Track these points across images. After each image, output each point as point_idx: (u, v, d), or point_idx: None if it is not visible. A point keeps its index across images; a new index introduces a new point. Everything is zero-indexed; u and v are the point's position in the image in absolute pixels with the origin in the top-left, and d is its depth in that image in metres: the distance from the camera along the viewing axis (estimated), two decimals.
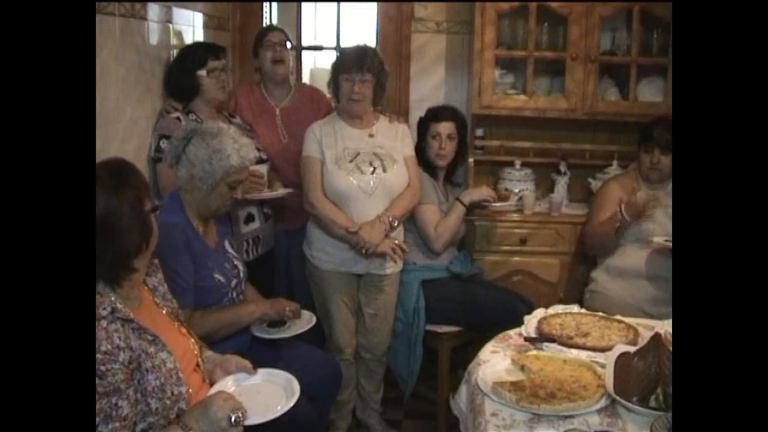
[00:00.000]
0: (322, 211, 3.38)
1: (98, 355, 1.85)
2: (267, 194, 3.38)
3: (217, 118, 3.46)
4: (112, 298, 2.00)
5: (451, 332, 3.70)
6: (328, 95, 3.81)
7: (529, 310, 3.23)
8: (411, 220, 3.67)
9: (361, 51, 3.45)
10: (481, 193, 3.78)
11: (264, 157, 3.49)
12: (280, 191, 3.42)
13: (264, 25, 4.70)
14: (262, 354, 2.83)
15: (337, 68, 3.45)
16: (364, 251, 3.33)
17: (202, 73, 3.37)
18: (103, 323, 1.92)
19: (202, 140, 2.74)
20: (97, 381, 1.83)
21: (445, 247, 3.72)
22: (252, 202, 3.44)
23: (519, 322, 2.87)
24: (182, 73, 3.39)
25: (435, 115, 3.87)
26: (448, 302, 3.64)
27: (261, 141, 3.63)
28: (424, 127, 3.87)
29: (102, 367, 1.85)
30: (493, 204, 3.85)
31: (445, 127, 3.80)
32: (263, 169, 3.39)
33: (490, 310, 3.54)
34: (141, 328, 2.02)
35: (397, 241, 3.40)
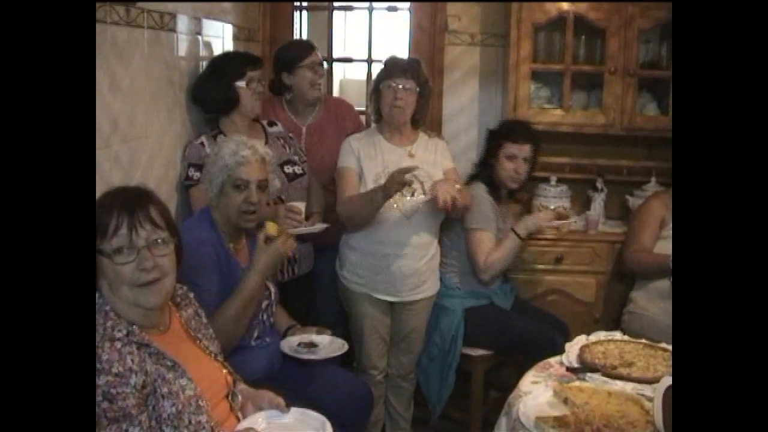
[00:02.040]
0: (354, 199, 3.26)
1: (109, 378, 1.79)
2: (302, 229, 3.19)
3: (253, 128, 3.39)
4: (129, 321, 1.93)
5: (485, 355, 3.59)
6: (366, 109, 3.71)
7: (567, 339, 3.10)
8: (461, 243, 3.53)
9: (405, 59, 3.39)
10: (537, 222, 3.52)
11: (298, 171, 3.39)
12: (316, 227, 3.25)
13: (295, 37, 4.64)
14: (293, 374, 2.80)
15: (380, 76, 3.35)
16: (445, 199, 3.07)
17: (241, 84, 3.24)
18: (117, 344, 1.85)
19: (211, 152, 2.81)
20: (107, 405, 1.77)
21: (493, 278, 3.56)
22: None
23: (556, 353, 2.76)
24: (218, 85, 3.25)
25: (510, 133, 3.59)
26: (483, 328, 3.53)
27: None
28: (495, 143, 3.61)
29: (113, 390, 1.78)
30: (553, 223, 3.57)
31: (523, 150, 3.54)
32: (301, 205, 3.26)
33: (527, 340, 3.39)
34: (159, 352, 1.95)
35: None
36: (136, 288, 1.94)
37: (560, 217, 3.60)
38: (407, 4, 4.65)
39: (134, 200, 1.98)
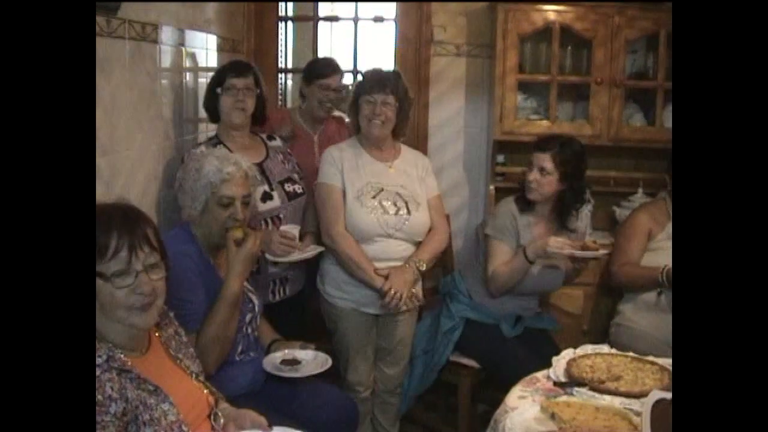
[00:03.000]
0: (345, 250, 3.22)
1: None
2: (296, 256, 3.17)
3: (253, 140, 3.36)
4: (111, 346, 1.88)
5: (473, 368, 3.54)
6: (347, 120, 3.69)
7: None
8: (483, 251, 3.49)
9: (384, 72, 3.32)
10: (544, 246, 3.20)
11: (299, 190, 3.36)
12: (310, 250, 3.24)
13: (280, 49, 4.63)
14: (277, 390, 2.76)
15: (358, 90, 3.30)
16: (389, 300, 3.16)
17: (219, 90, 3.21)
18: (97, 371, 1.79)
19: (190, 167, 2.72)
20: None
21: (498, 292, 3.41)
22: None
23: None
24: (208, 93, 3.28)
25: (537, 142, 3.44)
26: (476, 343, 3.48)
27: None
28: (530, 154, 3.46)
29: None
30: (564, 251, 3.21)
31: (541, 159, 3.33)
32: (294, 230, 3.22)
33: (511, 372, 3.10)
34: (140, 378, 1.89)
35: (414, 290, 3.25)
36: (133, 311, 1.91)
37: (586, 248, 3.22)
38: (393, 15, 4.63)
39: (134, 221, 1.95)
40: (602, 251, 3.27)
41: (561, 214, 3.44)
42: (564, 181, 3.35)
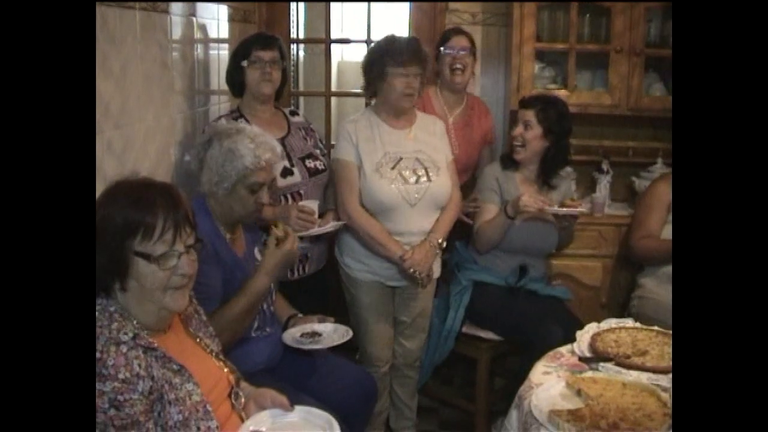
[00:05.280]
0: (363, 226, 3.19)
1: (115, 384, 1.71)
2: (315, 231, 3.11)
3: (275, 116, 3.32)
4: (135, 324, 1.85)
5: (491, 341, 3.49)
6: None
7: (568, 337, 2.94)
8: None
9: (414, 43, 3.23)
10: (518, 204, 3.24)
11: (320, 167, 3.31)
12: (330, 225, 3.18)
13: (291, 19, 4.53)
14: (295, 366, 2.74)
15: (387, 62, 3.16)
16: (417, 273, 3.18)
17: (245, 63, 3.19)
18: (123, 348, 1.77)
19: (218, 142, 2.62)
20: (114, 413, 1.70)
21: (483, 248, 3.47)
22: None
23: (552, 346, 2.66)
24: (232, 66, 3.26)
25: (521, 101, 3.54)
26: (487, 304, 3.44)
27: None
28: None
29: (120, 397, 1.71)
30: (547, 209, 3.25)
31: (524, 114, 3.42)
32: (313, 204, 3.16)
33: (524, 328, 3.26)
34: (165, 356, 1.87)
35: (434, 269, 3.28)
36: (169, 291, 1.90)
37: (564, 206, 3.32)
38: None
39: (177, 201, 1.92)
40: (580, 209, 3.35)
41: (545, 171, 3.47)
42: (547, 137, 3.40)
